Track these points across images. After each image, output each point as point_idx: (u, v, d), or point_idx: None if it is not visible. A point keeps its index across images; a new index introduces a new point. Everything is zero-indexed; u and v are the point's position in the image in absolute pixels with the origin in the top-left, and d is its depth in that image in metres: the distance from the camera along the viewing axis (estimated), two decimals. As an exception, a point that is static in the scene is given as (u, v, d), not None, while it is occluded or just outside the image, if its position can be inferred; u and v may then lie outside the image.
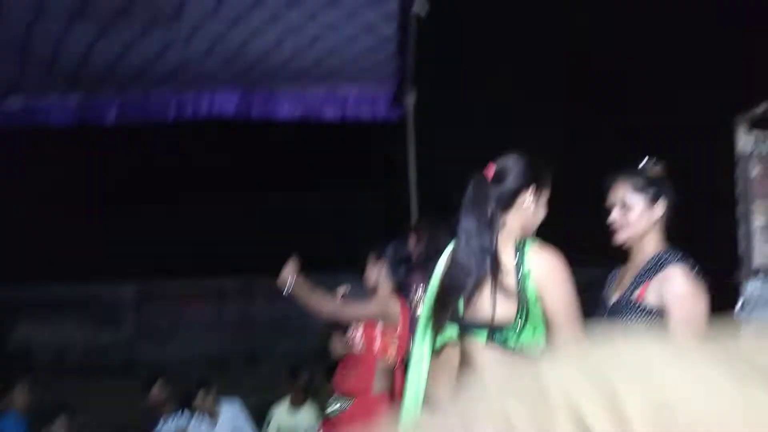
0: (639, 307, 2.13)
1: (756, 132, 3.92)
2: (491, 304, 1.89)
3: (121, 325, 10.72)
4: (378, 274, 3.31)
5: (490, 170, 2.03)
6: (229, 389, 5.59)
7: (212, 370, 7.92)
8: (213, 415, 4.78)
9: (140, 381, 5.36)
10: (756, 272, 3.64)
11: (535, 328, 1.90)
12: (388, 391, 3.17)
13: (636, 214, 2.23)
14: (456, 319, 2.00)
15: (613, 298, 2.28)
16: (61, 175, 11.15)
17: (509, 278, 1.91)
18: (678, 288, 2.09)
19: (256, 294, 11.13)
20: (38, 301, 10.35)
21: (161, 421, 5.06)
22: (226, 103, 5.07)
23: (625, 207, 2.24)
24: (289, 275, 3.11)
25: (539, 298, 1.90)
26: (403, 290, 3.27)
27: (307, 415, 4.74)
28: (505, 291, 1.89)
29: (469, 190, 2.02)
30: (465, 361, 2.03)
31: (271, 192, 13.32)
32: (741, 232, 3.78)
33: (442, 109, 7.90)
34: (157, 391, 5.11)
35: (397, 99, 4.98)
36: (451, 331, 2.04)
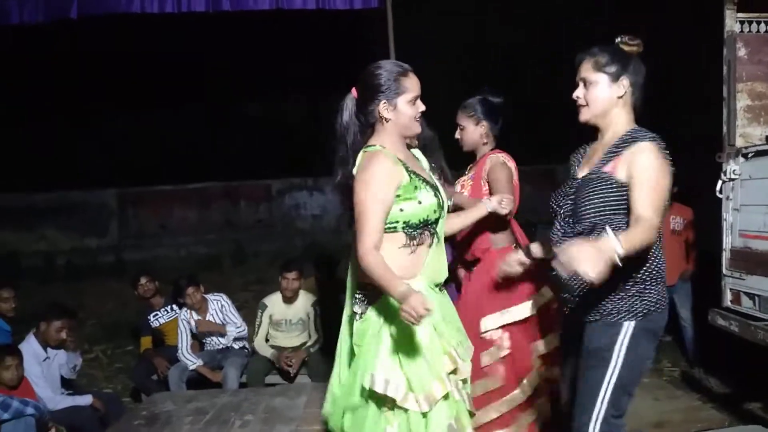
0: (610, 180, 2.15)
1: (743, 13, 3.84)
2: None
3: (107, 230, 10.73)
4: (478, 134, 3.04)
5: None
6: (218, 288, 5.67)
7: (201, 270, 8.02)
8: (202, 310, 4.87)
9: (129, 281, 5.42)
10: (737, 153, 3.67)
11: None
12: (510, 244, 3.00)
13: (596, 92, 2.22)
14: None
15: (582, 172, 2.29)
16: (36, 84, 10.78)
17: None
18: (646, 161, 2.10)
19: (239, 197, 11.13)
20: (21, 210, 10.27)
21: (152, 316, 5.17)
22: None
23: (587, 85, 2.24)
24: None
25: None
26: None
27: (301, 305, 4.85)
28: None
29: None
30: None
31: (248, 97, 12.98)
32: (725, 113, 3.77)
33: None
34: (143, 284, 5.19)
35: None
36: None
